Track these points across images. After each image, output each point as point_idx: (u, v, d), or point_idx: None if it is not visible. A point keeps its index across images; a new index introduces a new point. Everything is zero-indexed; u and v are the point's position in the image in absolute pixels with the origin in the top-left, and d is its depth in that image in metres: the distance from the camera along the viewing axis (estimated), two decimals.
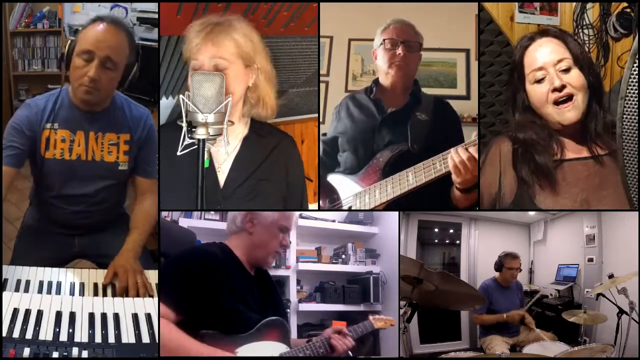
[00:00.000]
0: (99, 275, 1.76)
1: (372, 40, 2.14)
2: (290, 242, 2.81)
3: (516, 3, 2.29)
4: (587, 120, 1.73)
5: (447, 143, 1.80)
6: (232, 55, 1.57)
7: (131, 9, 4.48)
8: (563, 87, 1.70)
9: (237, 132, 1.69)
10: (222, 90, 1.41)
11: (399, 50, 2.05)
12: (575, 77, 1.71)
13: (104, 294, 1.67)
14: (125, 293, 1.67)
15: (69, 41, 1.80)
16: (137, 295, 1.66)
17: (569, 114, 1.71)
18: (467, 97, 2.88)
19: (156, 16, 3.64)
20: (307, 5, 1.89)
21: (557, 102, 1.70)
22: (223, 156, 1.65)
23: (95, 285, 1.71)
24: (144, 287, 1.70)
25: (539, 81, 1.72)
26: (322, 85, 2.91)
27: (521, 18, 2.30)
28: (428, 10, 2.38)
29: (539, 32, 1.79)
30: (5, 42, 4.79)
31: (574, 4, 2.28)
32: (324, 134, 2.22)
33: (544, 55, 1.73)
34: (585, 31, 2.26)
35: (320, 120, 2.72)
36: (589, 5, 2.26)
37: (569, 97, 1.70)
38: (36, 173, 1.95)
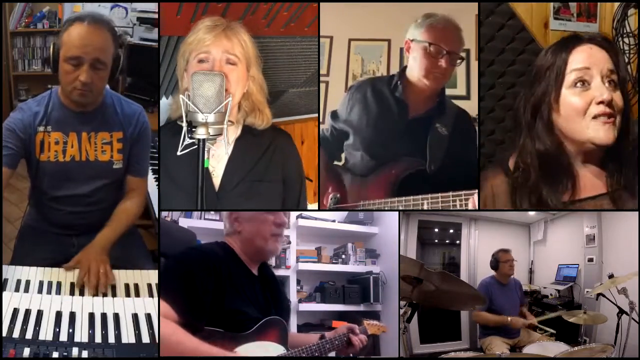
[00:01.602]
0: None
1: (372, 40, 2.12)
2: (290, 243, 2.82)
3: (551, 4, 2.11)
4: (616, 148, 1.49)
5: (464, 162, 1.78)
6: (240, 54, 1.61)
7: (131, 9, 4.48)
8: (610, 102, 1.44)
9: (230, 135, 1.69)
10: (222, 90, 1.41)
11: (442, 62, 1.91)
12: (619, 98, 1.48)
13: (104, 295, 1.66)
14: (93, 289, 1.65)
15: (52, 44, 1.78)
16: (97, 284, 1.64)
17: (607, 132, 1.45)
18: (467, 97, 2.88)
19: (156, 16, 3.64)
20: (307, 5, 1.89)
21: (596, 116, 1.46)
22: (217, 159, 1.65)
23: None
24: (105, 276, 1.67)
25: (582, 83, 1.46)
26: (322, 85, 2.91)
27: (556, 25, 2.14)
28: (428, 11, 2.37)
29: (587, 37, 1.53)
30: (5, 42, 4.79)
31: (615, 9, 2.08)
32: (334, 112, 2.13)
33: (595, 58, 1.48)
34: (626, 40, 2.07)
35: (320, 120, 2.71)
36: (630, 11, 2.06)
37: (611, 116, 1.45)
38: (32, 175, 1.94)
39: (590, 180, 1.54)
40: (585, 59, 1.48)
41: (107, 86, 1.95)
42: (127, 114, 1.97)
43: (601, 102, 1.44)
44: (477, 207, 1.66)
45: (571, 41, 1.53)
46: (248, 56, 1.64)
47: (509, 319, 2.59)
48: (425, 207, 1.79)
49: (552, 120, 1.51)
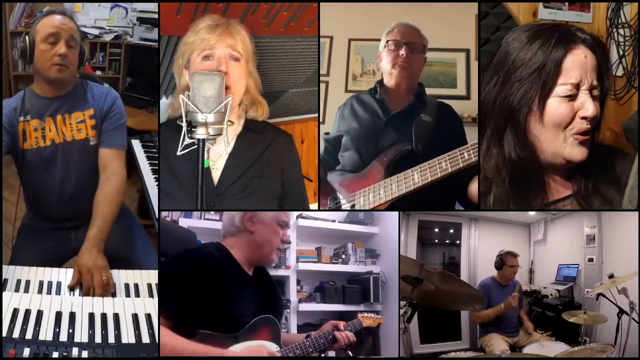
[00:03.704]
0: None
1: (372, 40, 2.15)
2: (290, 242, 2.81)
3: None
4: (587, 162, 1.43)
5: (451, 143, 1.81)
6: (242, 50, 1.65)
7: (131, 9, 4.48)
8: (594, 118, 1.39)
9: (232, 130, 1.71)
10: (222, 90, 1.41)
11: (402, 51, 2.07)
12: (597, 111, 1.41)
13: (84, 295, 1.64)
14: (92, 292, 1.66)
15: (26, 38, 1.89)
16: (104, 294, 1.65)
17: (580, 149, 1.41)
18: (467, 97, 2.88)
19: (156, 16, 3.64)
20: (307, 5, 1.89)
21: (576, 132, 1.40)
22: (217, 154, 1.65)
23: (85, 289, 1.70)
24: (107, 284, 1.68)
25: (570, 97, 1.39)
26: (322, 85, 2.91)
27: (546, 14, 2.04)
28: (428, 10, 2.38)
29: (581, 38, 1.41)
30: (5, 42, 4.79)
31: None
32: (327, 133, 2.22)
33: (587, 68, 1.39)
34: (621, 31, 1.99)
35: (320, 120, 2.72)
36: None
37: (587, 132, 1.41)
38: (20, 170, 2.00)
39: (559, 186, 1.51)
40: (579, 70, 1.38)
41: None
42: (96, 93, 2.04)
43: (584, 118, 1.38)
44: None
45: (564, 41, 1.40)
46: (248, 53, 1.68)
47: (502, 305, 2.60)
48: (415, 179, 1.84)
49: (529, 127, 1.42)
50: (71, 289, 1.67)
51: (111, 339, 1.42)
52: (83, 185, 2.01)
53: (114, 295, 1.67)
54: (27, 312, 1.45)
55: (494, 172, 1.46)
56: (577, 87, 1.38)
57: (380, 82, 2.16)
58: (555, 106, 1.39)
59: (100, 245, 1.80)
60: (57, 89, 1.96)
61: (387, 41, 2.11)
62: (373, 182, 2.00)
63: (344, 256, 3.00)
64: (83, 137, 1.99)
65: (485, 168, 1.49)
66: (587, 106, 1.37)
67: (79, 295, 1.64)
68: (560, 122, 1.39)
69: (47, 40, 1.87)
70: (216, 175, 1.68)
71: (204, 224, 2.54)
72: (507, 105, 1.42)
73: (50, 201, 2.02)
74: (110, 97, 2.05)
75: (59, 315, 1.46)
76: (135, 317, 1.52)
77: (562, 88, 1.38)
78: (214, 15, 1.67)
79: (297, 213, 2.81)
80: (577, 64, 1.39)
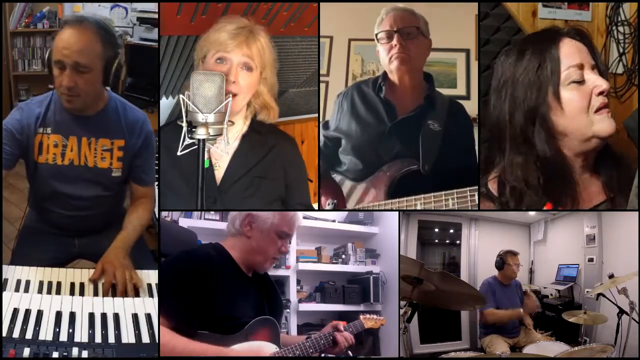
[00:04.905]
0: None
1: (372, 40, 2.12)
2: (290, 243, 2.81)
3: None
4: (607, 146, 1.48)
5: (459, 164, 1.77)
6: (257, 61, 1.65)
7: (131, 9, 4.48)
8: (608, 91, 1.44)
9: (237, 130, 1.71)
10: (222, 90, 1.41)
11: (394, 41, 1.90)
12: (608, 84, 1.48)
13: (104, 294, 1.66)
14: (112, 291, 1.66)
15: (49, 49, 1.77)
16: (126, 292, 1.65)
17: (610, 123, 1.44)
18: (467, 97, 2.88)
19: (156, 16, 3.64)
20: (307, 5, 1.89)
21: (598, 109, 1.44)
22: (221, 153, 1.65)
23: (96, 285, 1.71)
24: (131, 282, 1.68)
25: (579, 82, 1.44)
26: (322, 85, 2.91)
27: (545, 13, 2.04)
28: (428, 10, 2.37)
29: (563, 32, 1.51)
30: (5, 42, 4.79)
31: None
32: (326, 123, 2.12)
33: (582, 52, 1.46)
34: (620, 29, 1.99)
35: (320, 120, 2.71)
36: None
37: (607, 106, 1.45)
38: (30, 177, 1.93)
39: (590, 187, 1.52)
40: (576, 54, 1.45)
41: (109, 90, 1.91)
42: (130, 122, 1.92)
43: (601, 93, 1.43)
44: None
45: (552, 35, 1.49)
46: (264, 61, 1.67)
47: (521, 309, 2.62)
48: (418, 208, 1.77)
49: (553, 122, 1.46)
50: (92, 281, 1.69)
51: (111, 339, 1.42)
52: (93, 206, 1.97)
53: (114, 294, 1.66)
54: (27, 312, 1.45)
55: (525, 178, 1.48)
56: (581, 67, 1.44)
57: (384, 77, 2.02)
58: (570, 94, 1.44)
59: (127, 248, 1.81)
60: (78, 110, 1.84)
61: (377, 34, 1.95)
62: (373, 196, 1.93)
63: (344, 256, 3.00)
64: (106, 167, 1.90)
65: (510, 180, 1.51)
66: (599, 82, 1.43)
67: (79, 295, 1.64)
68: (581, 107, 1.43)
69: (55, 66, 1.73)
70: (219, 173, 1.68)
71: (204, 224, 2.55)
72: (528, 108, 1.47)
73: (58, 211, 1.97)
74: (144, 130, 1.94)
75: (59, 315, 1.46)
76: (135, 317, 1.52)
77: (567, 72, 1.44)
78: (240, 20, 1.65)
79: (300, 216, 2.80)
80: (571, 49, 1.46)
